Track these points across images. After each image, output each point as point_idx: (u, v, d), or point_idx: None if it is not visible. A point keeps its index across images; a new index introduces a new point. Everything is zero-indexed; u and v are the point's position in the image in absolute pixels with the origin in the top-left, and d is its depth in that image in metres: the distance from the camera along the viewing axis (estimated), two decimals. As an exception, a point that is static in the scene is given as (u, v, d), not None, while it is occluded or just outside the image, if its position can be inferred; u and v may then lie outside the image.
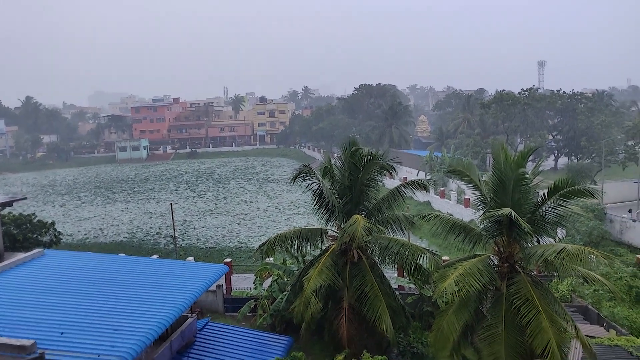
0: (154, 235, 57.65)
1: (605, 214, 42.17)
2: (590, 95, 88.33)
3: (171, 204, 47.62)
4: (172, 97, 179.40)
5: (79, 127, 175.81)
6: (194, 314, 20.15)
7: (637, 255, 32.29)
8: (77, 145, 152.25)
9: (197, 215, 67.08)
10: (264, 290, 25.59)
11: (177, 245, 45.64)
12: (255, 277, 26.77)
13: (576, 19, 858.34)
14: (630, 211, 43.50)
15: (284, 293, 23.27)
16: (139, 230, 60.57)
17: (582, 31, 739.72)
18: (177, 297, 16.70)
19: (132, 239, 56.37)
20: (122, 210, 73.39)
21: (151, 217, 67.60)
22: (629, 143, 59.87)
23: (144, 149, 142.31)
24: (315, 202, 20.44)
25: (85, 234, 60.11)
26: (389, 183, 47.77)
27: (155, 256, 33.84)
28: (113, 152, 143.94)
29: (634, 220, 40.73)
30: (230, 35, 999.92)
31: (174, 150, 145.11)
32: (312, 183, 20.19)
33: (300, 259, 24.84)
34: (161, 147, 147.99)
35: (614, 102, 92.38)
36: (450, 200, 58.08)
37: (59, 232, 39.14)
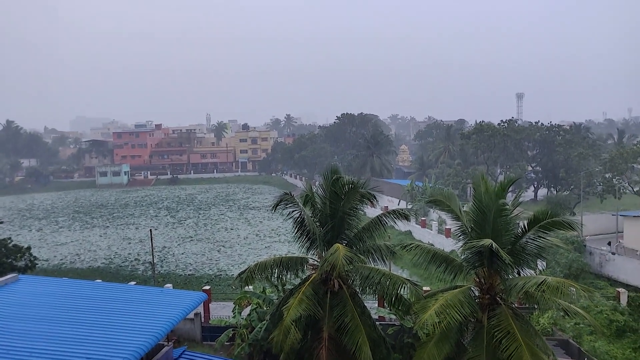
0: (132, 261, 56.74)
1: (585, 246, 42.41)
2: (568, 127, 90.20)
3: (151, 230, 46.99)
4: (155, 123, 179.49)
5: (59, 151, 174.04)
6: (170, 343, 19.65)
7: (617, 289, 32.44)
8: (56, 169, 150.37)
9: (176, 241, 66.33)
10: (242, 319, 25.14)
11: (156, 272, 44.77)
12: (234, 306, 26.33)
13: (554, 54, 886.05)
14: (609, 244, 43.78)
15: (263, 322, 22.79)
16: (117, 256, 59.56)
17: (559, 66, 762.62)
18: (153, 325, 16.32)
19: (110, 265, 55.41)
20: (101, 236, 72.29)
21: (130, 243, 66.64)
22: (607, 175, 60.12)
23: (125, 174, 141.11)
24: (296, 230, 20.20)
25: (61, 259, 58.96)
26: (370, 212, 47.77)
27: (132, 283, 33.32)
28: (93, 177, 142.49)
29: (613, 253, 41.01)
30: (214, 62, 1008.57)
31: (155, 176, 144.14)
32: (293, 211, 19.97)
33: (280, 287, 24.50)
34: (142, 172, 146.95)
35: (591, 134, 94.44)
36: (432, 230, 58.20)
37: (34, 257, 38.21)
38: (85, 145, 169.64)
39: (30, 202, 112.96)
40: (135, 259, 57.35)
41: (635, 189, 56.86)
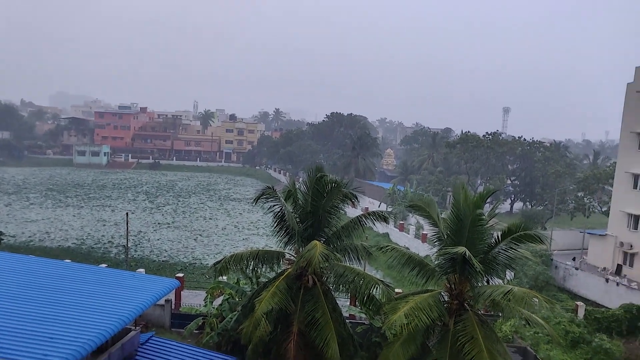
0: (105, 243, 56.07)
1: (552, 260, 43.80)
2: (548, 144, 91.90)
3: (127, 213, 46.52)
4: (140, 106, 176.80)
5: (36, 126, 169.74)
6: (138, 327, 19.58)
7: (577, 302, 33.57)
8: (32, 144, 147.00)
9: (153, 227, 65.79)
10: (214, 308, 25.14)
11: (129, 256, 44.43)
12: (206, 295, 26.26)
13: (542, 70, 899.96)
14: (574, 259, 45.13)
15: (234, 313, 22.91)
16: (89, 237, 58.81)
17: (548, 84, 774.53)
18: (122, 309, 16.21)
19: (81, 246, 54.69)
20: (74, 216, 71.20)
21: (104, 225, 65.80)
22: (579, 194, 62.11)
23: (105, 155, 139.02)
24: (275, 225, 20.36)
25: (30, 237, 57.95)
26: (351, 212, 48.18)
27: (104, 265, 32.90)
28: (71, 155, 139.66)
29: (577, 269, 42.34)
30: (205, 49, 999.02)
31: (136, 160, 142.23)
32: (274, 205, 20.11)
33: (254, 280, 24.60)
34: (123, 155, 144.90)
35: (569, 153, 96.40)
36: (409, 234, 58.94)
37: (0, 231, 37.55)
38: (64, 122, 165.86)
39: (1, 176, 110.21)
40: (109, 242, 56.64)
41: (603, 209, 58.50)
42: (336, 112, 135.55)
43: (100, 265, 31.12)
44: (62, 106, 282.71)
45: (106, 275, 20.46)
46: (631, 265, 41.29)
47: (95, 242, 56.67)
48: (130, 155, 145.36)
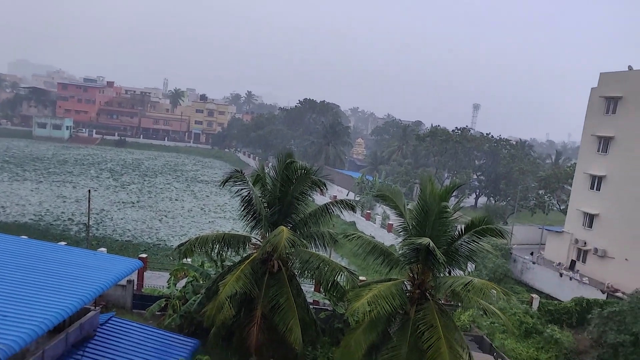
0: (65, 220, 54.70)
1: (511, 254, 45.32)
2: (514, 143, 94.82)
3: (89, 190, 45.38)
4: (107, 80, 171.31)
5: None
6: (97, 307, 19.32)
7: (532, 295, 35.07)
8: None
9: (117, 206, 64.48)
10: (177, 290, 25.01)
11: (90, 235, 43.57)
12: (170, 277, 26.13)
13: (514, 69, 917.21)
14: (532, 254, 46.90)
15: (198, 295, 22.87)
16: (48, 213, 57.21)
17: (518, 82, 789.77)
18: (81, 288, 15.91)
19: (39, 222, 53.20)
20: (32, 190, 69.01)
21: (65, 201, 64.06)
22: (540, 192, 64.43)
23: (67, 129, 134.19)
24: (242, 209, 20.35)
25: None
26: (319, 199, 48.40)
27: (63, 243, 32.13)
28: (30, 127, 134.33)
29: (534, 263, 44.02)
30: (178, 25, 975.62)
31: (101, 136, 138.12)
32: (242, 189, 20.09)
33: (219, 263, 24.55)
34: (87, 130, 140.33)
35: (533, 152, 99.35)
36: (375, 223, 59.69)
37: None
38: (24, 91, 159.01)
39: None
40: (69, 219, 55.22)
41: (562, 207, 60.84)
42: (309, 99, 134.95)
43: (59, 243, 30.40)
44: (22, 74, 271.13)
45: (65, 253, 20.02)
46: (584, 261, 43.14)
47: (54, 218, 55.18)
48: (94, 130, 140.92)
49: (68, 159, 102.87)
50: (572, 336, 30.34)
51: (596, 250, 41.56)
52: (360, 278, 23.14)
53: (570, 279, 40.01)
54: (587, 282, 39.26)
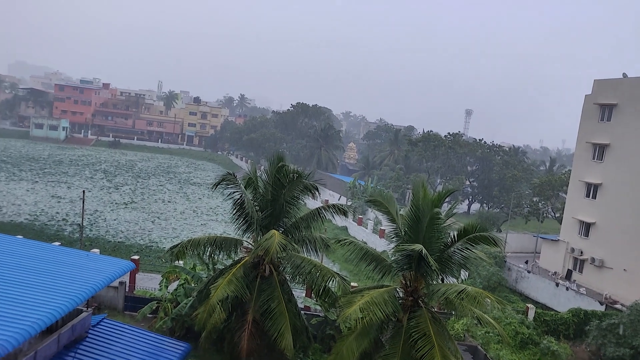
0: (59, 221, 54.33)
1: (505, 262, 44.85)
2: (507, 149, 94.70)
3: (84, 191, 45.04)
4: (102, 82, 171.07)
5: None
6: (89, 309, 19.10)
7: (527, 304, 34.63)
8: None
9: (110, 206, 64.18)
10: (169, 293, 24.86)
11: (84, 235, 43.07)
12: (161, 279, 25.90)
13: (507, 76, 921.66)
14: (526, 262, 46.40)
15: (189, 298, 22.69)
16: (43, 213, 56.87)
17: (511, 87, 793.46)
18: (73, 289, 15.70)
19: (34, 222, 52.85)
20: (27, 190, 68.63)
21: (59, 201, 63.70)
22: (534, 199, 63.96)
23: (63, 129, 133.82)
24: (234, 212, 20.17)
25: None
26: (311, 203, 48.18)
27: (57, 243, 31.86)
28: (27, 127, 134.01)
29: (529, 271, 43.54)
30: (172, 27, 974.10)
31: (96, 137, 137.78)
32: (234, 192, 19.94)
33: (210, 266, 24.38)
34: (82, 131, 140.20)
35: (527, 159, 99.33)
36: (367, 228, 59.40)
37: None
38: (22, 92, 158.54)
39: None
40: (63, 219, 54.88)
41: (556, 215, 60.50)
42: (301, 103, 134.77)
43: (53, 243, 30.12)
44: (20, 76, 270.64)
45: (58, 253, 19.76)
46: (581, 271, 42.53)
47: (49, 218, 54.83)
48: (90, 131, 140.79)
49: (63, 159, 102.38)
50: (569, 348, 30.01)
51: (593, 260, 40.96)
52: (352, 284, 23.00)
53: (567, 289, 39.39)
54: (585, 292, 38.57)
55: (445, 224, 17.51)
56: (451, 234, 18.06)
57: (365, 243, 22.54)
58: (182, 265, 26.22)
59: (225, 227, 58.11)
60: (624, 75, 42.51)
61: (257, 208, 20.07)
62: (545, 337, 30.30)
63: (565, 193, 51.98)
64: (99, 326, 18.94)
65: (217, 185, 19.86)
